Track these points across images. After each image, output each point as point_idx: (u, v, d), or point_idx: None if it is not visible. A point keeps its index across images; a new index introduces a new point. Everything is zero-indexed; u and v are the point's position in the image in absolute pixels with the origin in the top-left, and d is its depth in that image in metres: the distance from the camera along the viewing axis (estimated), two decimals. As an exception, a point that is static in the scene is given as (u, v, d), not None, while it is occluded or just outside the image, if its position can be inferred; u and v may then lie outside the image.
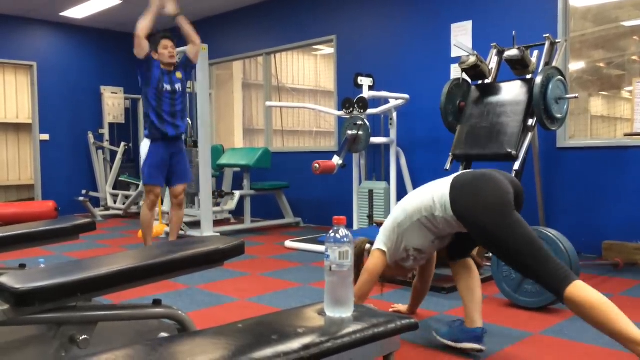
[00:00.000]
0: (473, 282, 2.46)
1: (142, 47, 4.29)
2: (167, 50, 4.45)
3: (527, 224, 2.12)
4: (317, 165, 4.52)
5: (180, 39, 4.68)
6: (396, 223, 2.41)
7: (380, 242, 2.47)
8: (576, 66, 5.52)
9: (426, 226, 2.33)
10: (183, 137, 4.68)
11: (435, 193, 2.29)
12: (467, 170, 2.36)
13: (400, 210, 2.42)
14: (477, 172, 2.30)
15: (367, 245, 2.65)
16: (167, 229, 5.58)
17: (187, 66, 4.63)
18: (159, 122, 4.40)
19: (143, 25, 4.28)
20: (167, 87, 4.43)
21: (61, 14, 7.78)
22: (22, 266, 2.69)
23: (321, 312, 1.51)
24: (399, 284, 3.61)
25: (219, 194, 6.46)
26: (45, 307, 1.55)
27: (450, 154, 4.13)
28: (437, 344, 2.48)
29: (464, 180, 2.26)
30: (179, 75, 4.55)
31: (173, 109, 4.46)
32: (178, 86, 4.50)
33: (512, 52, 3.97)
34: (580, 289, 1.97)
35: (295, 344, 1.26)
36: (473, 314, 2.41)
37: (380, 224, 3.81)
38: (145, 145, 4.48)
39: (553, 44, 4.15)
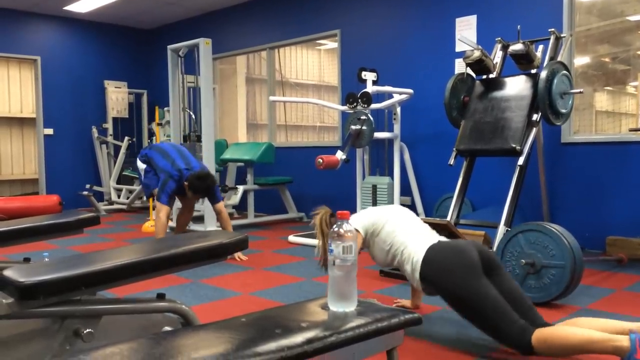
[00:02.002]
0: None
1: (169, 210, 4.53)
2: (195, 199, 4.70)
3: (489, 288, 2.20)
4: (321, 160, 4.52)
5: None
6: (374, 228, 2.57)
7: (358, 224, 2.58)
8: (581, 61, 5.49)
9: (391, 257, 2.52)
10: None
11: (412, 253, 2.41)
12: (441, 243, 2.43)
13: (388, 231, 2.54)
14: (450, 244, 2.41)
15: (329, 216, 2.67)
16: (171, 223, 5.59)
17: (209, 196, 4.56)
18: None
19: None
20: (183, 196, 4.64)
21: (65, 8, 7.78)
22: (27, 260, 2.70)
23: (324, 307, 1.51)
24: (401, 279, 3.62)
25: (222, 189, 6.46)
26: (50, 301, 1.55)
27: (454, 149, 4.12)
28: (441, 339, 2.48)
29: (435, 256, 2.35)
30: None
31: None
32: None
33: (517, 47, 3.95)
34: (541, 332, 2.10)
35: (298, 338, 1.26)
36: None
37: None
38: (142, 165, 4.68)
39: (558, 39, 4.13)
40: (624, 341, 1.91)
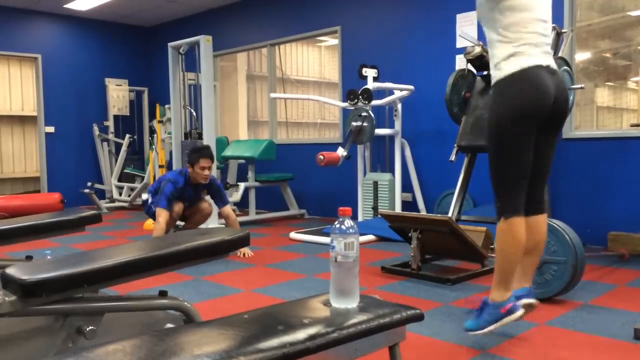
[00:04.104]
0: (534, 245, 2.36)
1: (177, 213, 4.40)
2: (203, 172, 4.29)
3: (523, 156, 2.21)
4: (322, 157, 4.52)
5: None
6: None
7: None
8: (582, 56, 5.48)
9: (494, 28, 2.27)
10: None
11: (508, 55, 2.21)
12: (534, 70, 2.20)
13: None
14: (535, 77, 2.18)
15: None
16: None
17: (216, 198, 4.56)
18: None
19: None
20: (186, 203, 4.51)
21: (65, 6, 7.78)
22: (29, 258, 2.70)
23: (326, 303, 1.51)
24: (403, 275, 3.62)
25: (223, 186, 6.46)
26: (52, 298, 1.56)
27: (456, 145, 4.11)
28: (443, 335, 2.48)
29: (517, 78, 2.18)
30: (204, 193, 4.59)
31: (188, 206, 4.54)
32: (197, 195, 4.56)
33: (518, 43, 3.94)
34: (517, 224, 2.21)
35: (301, 335, 1.26)
36: (508, 283, 2.30)
37: (384, 215, 3.82)
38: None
39: (559, 34, 4.12)
40: (505, 294, 2.24)
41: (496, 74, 2.26)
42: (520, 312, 2.26)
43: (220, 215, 4.72)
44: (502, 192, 2.25)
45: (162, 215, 4.18)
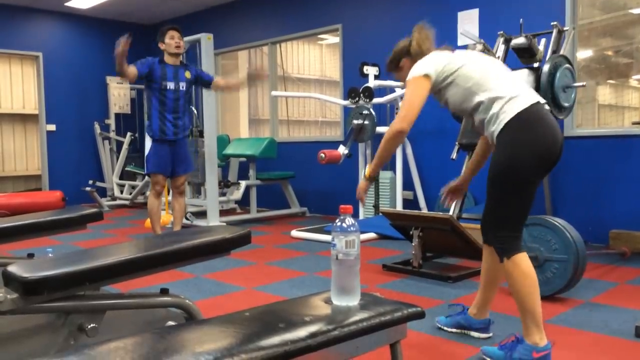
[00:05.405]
0: (499, 275, 2.38)
1: (129, 76, 4.35)
2: (173, 41, 4.44)
3: (532, 194, 2.12)
4: (323, 155, 4.52)
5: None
6: (450, 67, 2.27)
7: (428, 68, 2.31)
8: (584, 54, 5.48)
9: (468, 99, 2.24)
10: (185, 132, 4.70)
11: (501, 105, 2.12)
12: (542, 108, 2.15)
13: (472, 69, 2.24)
14: (546, 119, 2.12)
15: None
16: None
17: (199, 81, 4.63)
18: (161, 124, 4.45)
19: (120, 70, 4.34)
20: (171, 85, 4.43)
21: (66, 4, 7.78)
22: (31, 256, 2.71)
23: (328, 301, 1.52)
24: (404, 273, 3.62)
25: (224, 184, 6.47)
26: (54, 296, 1.56)
27: (457, 143, 4.11)
28: (444, 333, 2.49)
29: (531, 118, 2.10)
30: (187, 75, 4.54)
31: (176, 108, 4.48)
32: (183, 84, 4.49)
33: (519, 41, 3.94)
34: (525, 259, 2.10)
35: (302, 332, 1.26)
36: (486, 306, 2.43)
37: (385, 213, 3.82)
38: (148, 141, 4.54)
39: (560, 32, 4.11)
40: (544, 339, 2.05)
41: (497, 125, 2.12)
42: None
43: (217, 86, 4.73)
44: (505, 234, 2.12)
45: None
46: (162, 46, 4.46)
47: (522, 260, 2.09)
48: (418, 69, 2.32)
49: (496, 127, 2.13)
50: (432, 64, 2.31)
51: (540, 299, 2.08)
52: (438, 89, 2.36)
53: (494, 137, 2.16)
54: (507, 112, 2.10)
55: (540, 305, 2.07)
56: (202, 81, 4.65)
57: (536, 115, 2.10)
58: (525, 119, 2.09)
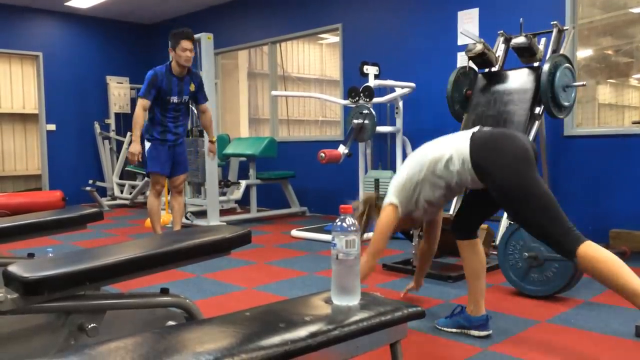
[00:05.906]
0: (480, 267, 2.45)
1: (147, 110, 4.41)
2: (185, 53, 4.35)
3: (544, 183, 2.15)
4: (323, 155, 4.52)
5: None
6: (410, 175, 2.38)
7: (392, 195, 2.42)
8: (584, 53, 5.48)
9: (440, 179, 2.31)
10: (184, 135, 4.73)
11: (453, 147, 2.28)
12: (485, 128, 2.34)
13: (415, 162, 2.40)
14: (496, 130, 2.32)
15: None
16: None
17: (198, 93, 4.64)
18: (161, 131, 4.47)
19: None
20: (174, 99, 4.45)
21: (66, 3, 7.78)
22: (31, 255, 2.70)
23: (328, 301, 1.51)
24: (404, 272, 3.62)
25: (225, 184, 6.47)
26: (54, 296, 1.56)
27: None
28: (444, 332, 2.49)
29: (484, 136, 2.25)
30: (192, 87, 4.55)
31: (177, 117, 4.52)
32: (186, 98, 4.52)
33: (519, 40, 3.94)
34: (591, 247, 2.04)
35: (302, 332, 1.26)
36: (479, 301, 2.43)
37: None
38: (147, 141, 4.55)
39: (561, 31, 4.11)
40: None
41: (466, 163, 2.22)
42: None
43: (200, 111, 4.76)
44: (558, 232, 2.08)
45: (140, 104, 4.36)
46: (172, 53, 4.40)
47: (587, 250, 2.03)
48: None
49: (465, 167, 2.22)
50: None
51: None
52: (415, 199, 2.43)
53: (472, 176, 2.22)
54: (461, 151, 2.25)
55: (632, 277, 1.99)
56: (196, 98, 4.64)
57: (482, 134, 2.27)
58: (480, 140, 2.23)
